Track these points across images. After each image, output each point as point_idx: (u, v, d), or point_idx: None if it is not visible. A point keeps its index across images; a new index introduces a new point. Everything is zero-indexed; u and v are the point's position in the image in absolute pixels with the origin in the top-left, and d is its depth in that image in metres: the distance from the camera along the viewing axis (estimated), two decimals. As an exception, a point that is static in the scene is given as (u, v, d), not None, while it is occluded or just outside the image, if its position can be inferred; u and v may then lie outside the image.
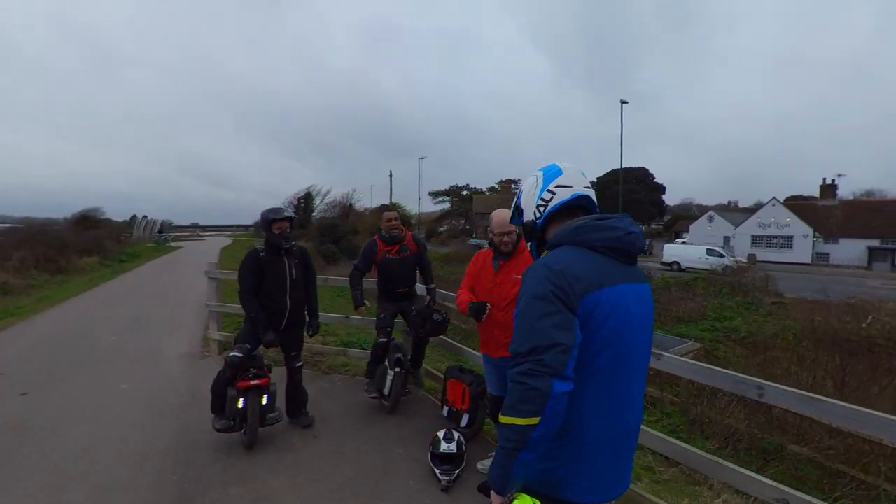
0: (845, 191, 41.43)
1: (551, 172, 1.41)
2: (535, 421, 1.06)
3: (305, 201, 57.86)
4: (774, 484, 2.05)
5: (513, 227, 2.72)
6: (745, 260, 27.82)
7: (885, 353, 9.78)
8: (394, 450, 3.31)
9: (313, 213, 58.12)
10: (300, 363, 3.58)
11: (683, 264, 27.62)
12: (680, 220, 55.54)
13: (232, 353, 3.13)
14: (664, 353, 2.41)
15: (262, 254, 3.28)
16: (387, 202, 44.64)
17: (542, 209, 1.39)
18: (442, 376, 3.83)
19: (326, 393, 4.42)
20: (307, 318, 3.59)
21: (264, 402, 3.18)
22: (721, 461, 2.26)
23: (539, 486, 1.22)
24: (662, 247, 33.48)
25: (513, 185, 75.38)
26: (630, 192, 48.25)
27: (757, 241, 37.87)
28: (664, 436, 2.54)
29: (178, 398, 4.29)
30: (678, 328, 12.35)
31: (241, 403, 3.10)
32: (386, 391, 3.71)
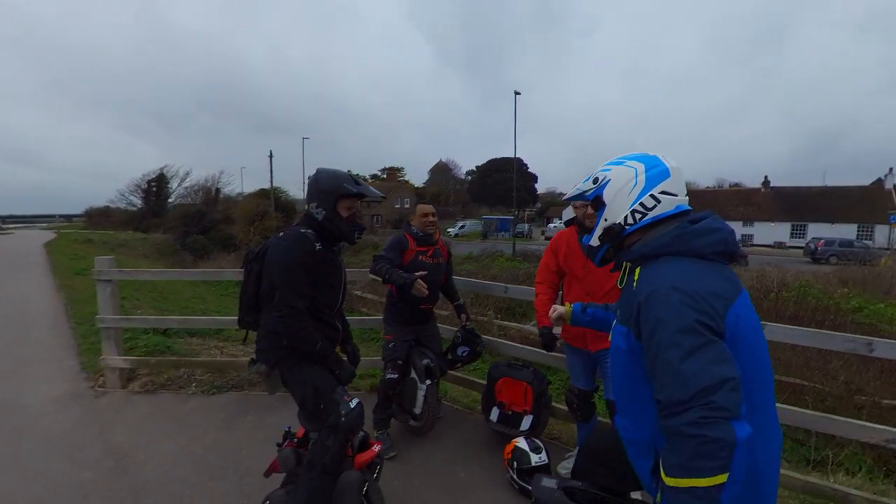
0: (674, 182, 50.05)
1: (657, 172, 1.21)
2: (723, 479, 0.88)
3: (158, 185, 49.24)
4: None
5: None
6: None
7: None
8: (454, 475, 2.67)
9: (169, 200, 50.03)
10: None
11: None
12: (551, 207, 61.40)
13: (355, 403, 1.93)
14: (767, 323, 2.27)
15: (318, 246, 1.93)
16: (265, 186, 40.18)
17: (638, 216, 1.21)
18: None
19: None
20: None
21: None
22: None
23: None
24: (542, 230, 36.33)
25: (397, 173, 74.91)
26: (507, 180, 51.53)
27: (615, 224, 43.93)
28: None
29: (77, 473, 2.67)
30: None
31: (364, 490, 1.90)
32: (417, 410, 2.93)
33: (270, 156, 38.79)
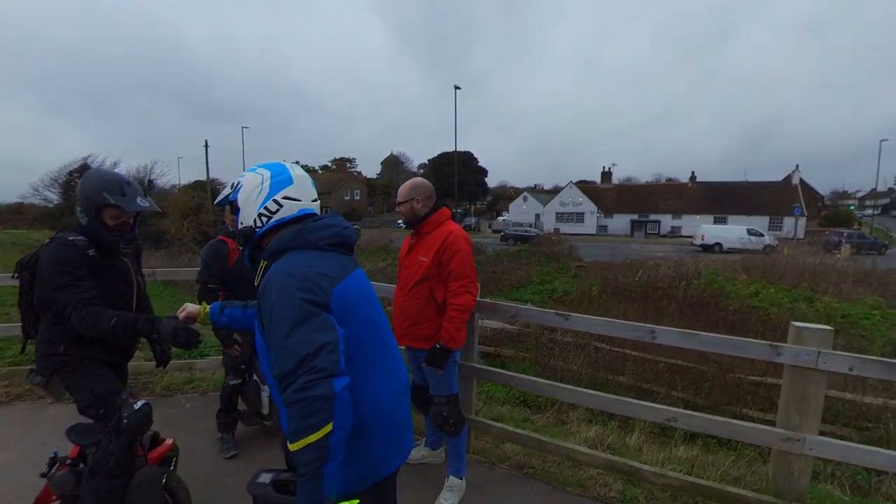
0: (615, 177, 52.69)
1: (280, 179, 1.35)
2: (329, 428, 1.02)
3: (81, 176, 45.03)
4: (612, 397, 2.49)
5: (411, 197, 2.35)
6: (776, 241, 27.39)
7: (650, 297, 12.92)
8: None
9: (95, 192, 45.86)
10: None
11: (726, 245, 27.00)
12: (501, 201, 62.55)
13: (139, 405, 1.86)
14: (572, 314, 2.49)
15: (90, 252, 1.87)
16: (201, 178, 38.00)
17: (264, 219, 1.33)
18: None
19: (176, 421, 3.35)
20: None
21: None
22: (577, 388, 2.61)
23: (353, 486, 1.23)
24: (489, 224, 36.68)
25: (347, 165, 73.42)
26: (459, 174, 51.96)
27: (559, 217, 45.62)
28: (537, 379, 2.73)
29: None
30: (513, 293, 13.94)
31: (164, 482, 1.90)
32: (264, 410, 2.94)
33: (206, 145, 36.73)
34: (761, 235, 27.81)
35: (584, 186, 48.70)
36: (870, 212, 56.18)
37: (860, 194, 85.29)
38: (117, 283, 1.98)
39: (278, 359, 1.09)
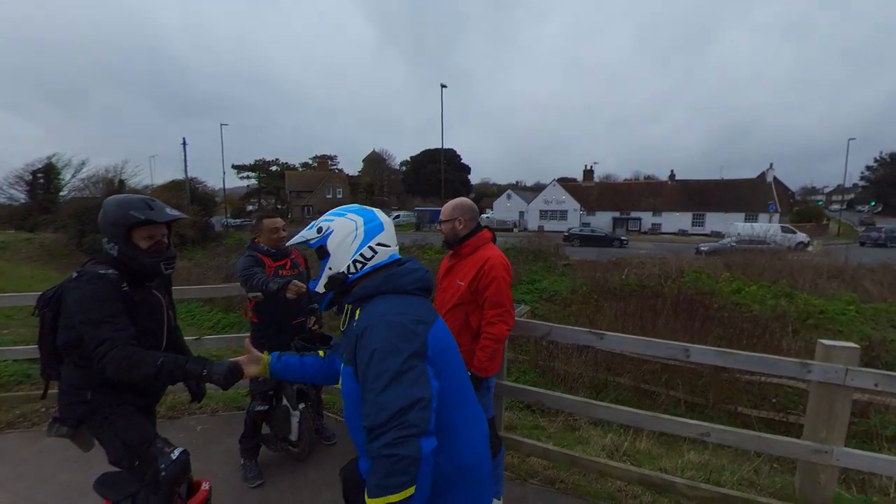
0: (596, 175, 53.51)
1: (374, 226, 1.37)
2: (411, 491, 1.00)
3: (47, 177, 43.11)
4: (648, 413, 2.47)
5: (454, 217, 2.33)
6: (808, 238, 28.25)
7: (639, 296, 13.21)
8: (320, 496, 2.65)
9: (61, 193, 44.08)
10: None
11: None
12: (484, 198, 62.74)
13: (177, 454, 1.78)
14: (606, 334, 2.53)
15: (123, 286, 1.73)
16: (177, 177, 36.93)
17: (359, 265, 1.34)
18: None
19: (190, 447, 3.18)
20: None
21: None
22: (611, 406, 2.61)
23: None
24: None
25: (329, 162, 72.36)
26: (439, 171, 51.83)
27: (543, 214, 46.02)
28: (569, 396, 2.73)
29: None
30: (504, 294, 14.08)
31: None
32: (293, 436, 2.84)
33: (184, 143, 35.71)
34: (794, 233, 28.52)
35: (567, 184, 49.25)
36: (836, 207, 58.67)
37: (828, 190, 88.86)
38: (149, 320, 1.86)
39: (372, 410, 1.07)
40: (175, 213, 1.84)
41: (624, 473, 2.57)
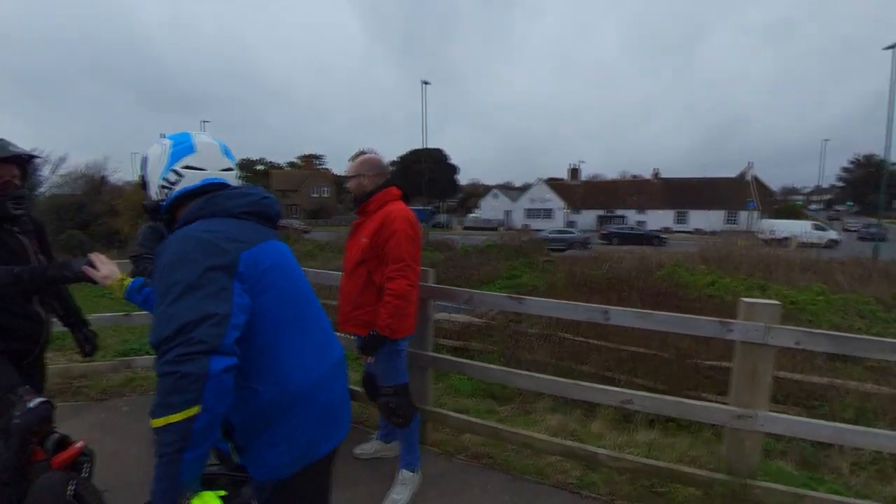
0: (583, 174, 53.93)
1: (181, 148, 1.26)
2: (195, 411, 0.90)
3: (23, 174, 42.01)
4: (568, 381, 2.45)
5: (359, 172, 2.26)
6: (838, 235, 29.30)
7: (613, 289, 13.28)
8: None
9: (40, 189, 43.00)
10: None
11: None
12: (471, 198, 62.79)
13: (36, 403, 1.64)
14: (526, 298, 2.43)
15: None
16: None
17: (166, 191, 1.25)
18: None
19: (110, 426, 3.08)
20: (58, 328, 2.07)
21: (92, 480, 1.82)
22: (533, 374, 2.54)
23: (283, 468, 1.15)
24: (460, 221, 36.89)
25: (316, 161, 71.71)
26: (429, 171, 51.84)
27: (529, 213, 46.27)
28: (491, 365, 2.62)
29: None
30: (482, 288, 14.00)
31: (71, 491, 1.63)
32: None
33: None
34: (825, 230, 29.02)
35: (553, 183, 49.52)
36: (815, 206, 59.91)
37: (807, 190, 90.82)
38: (8, 263, 1.72)
39: (158, 323, 0.97)
40: (19, 149, 1.74)
41: (547, 445, 2.46)
